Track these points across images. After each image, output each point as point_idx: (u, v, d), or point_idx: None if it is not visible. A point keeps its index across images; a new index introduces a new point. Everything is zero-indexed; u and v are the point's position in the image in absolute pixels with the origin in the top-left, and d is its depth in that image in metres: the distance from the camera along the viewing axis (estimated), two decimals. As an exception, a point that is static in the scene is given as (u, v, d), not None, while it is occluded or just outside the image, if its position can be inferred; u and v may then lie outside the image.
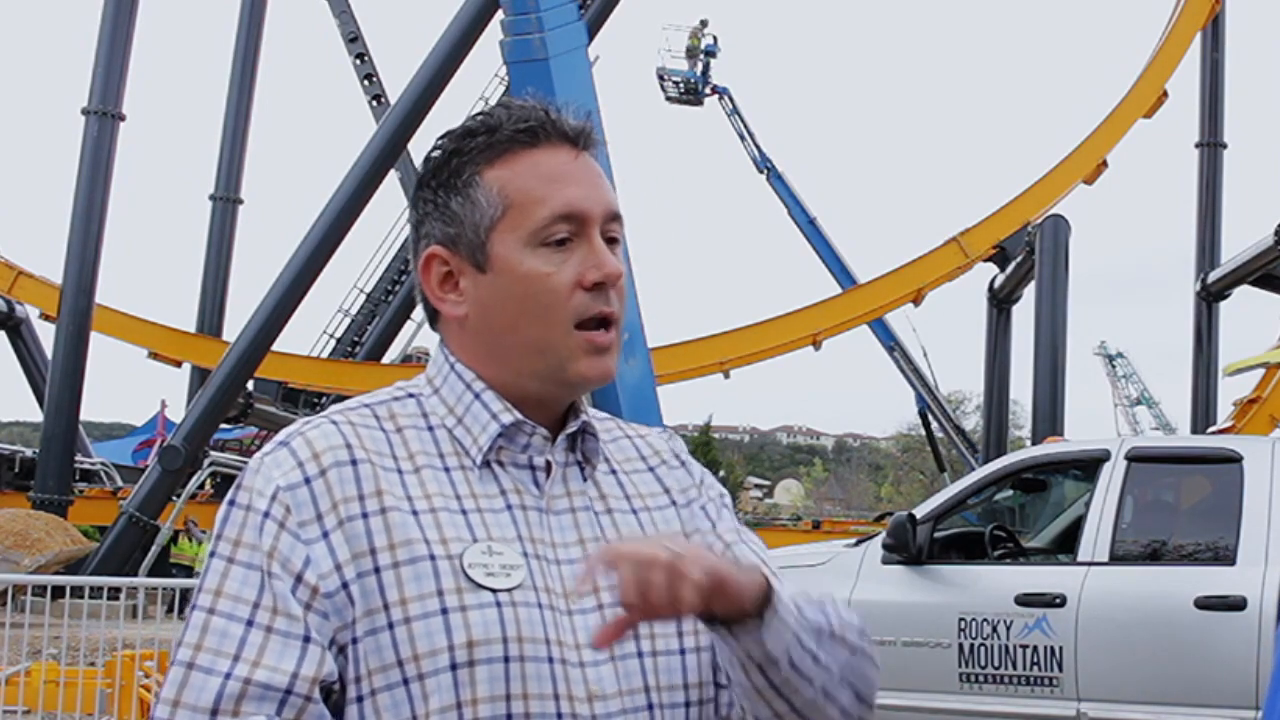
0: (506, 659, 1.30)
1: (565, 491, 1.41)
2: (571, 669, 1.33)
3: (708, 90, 30.90)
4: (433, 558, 1.31)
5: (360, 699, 1.31)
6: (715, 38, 31.39)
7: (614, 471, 1.48)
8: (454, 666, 1.28)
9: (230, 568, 1.31)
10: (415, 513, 1.33)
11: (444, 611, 1.29)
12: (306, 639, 1.29)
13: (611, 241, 1.41)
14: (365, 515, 1.32)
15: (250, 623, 1.29)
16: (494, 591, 1.31)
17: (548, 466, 1.41)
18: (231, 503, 1.34)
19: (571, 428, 1.43)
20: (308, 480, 1.32)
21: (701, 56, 31.03)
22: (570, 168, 1.40)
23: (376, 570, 1.30)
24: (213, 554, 1.34)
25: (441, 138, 1.45)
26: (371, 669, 1.30)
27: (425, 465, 1.37)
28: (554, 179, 1.38)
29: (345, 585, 1.30)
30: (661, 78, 31.30)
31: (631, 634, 1.35)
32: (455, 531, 1.33)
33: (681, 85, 31.27)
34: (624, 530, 1.43)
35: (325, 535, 1.31)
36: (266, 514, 1.31)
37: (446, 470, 1.37)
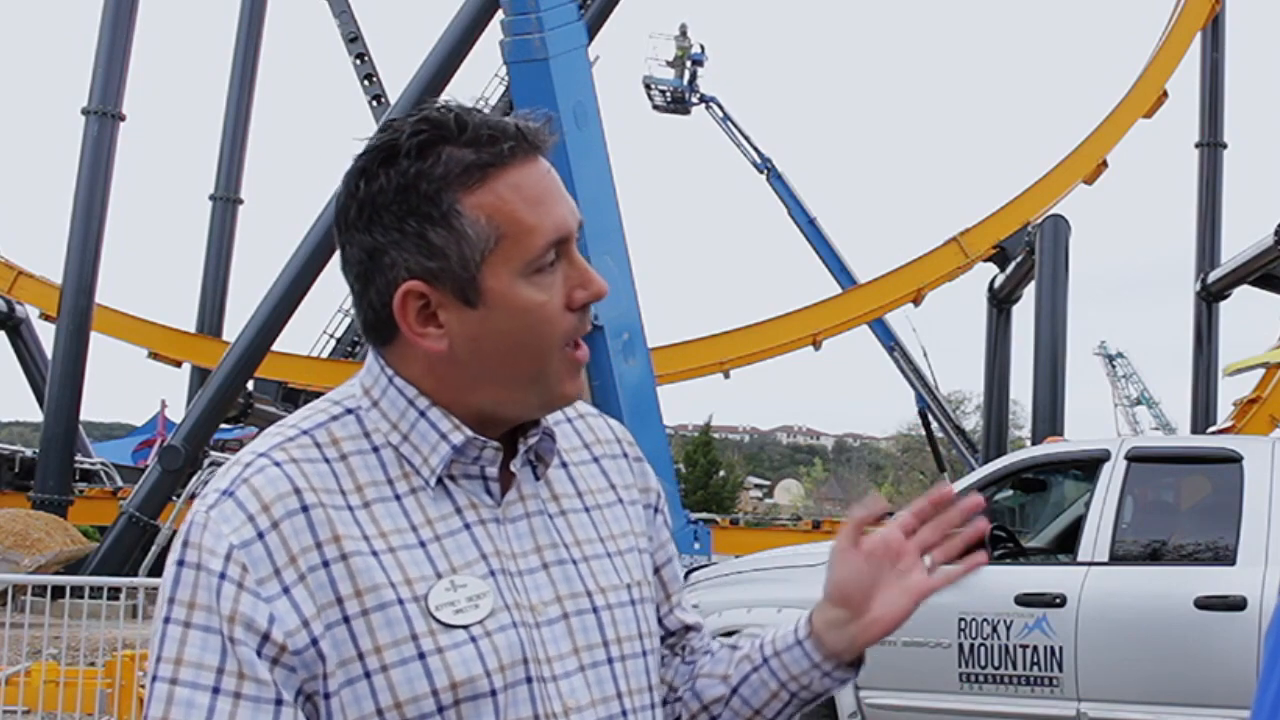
0: (493, 692, 1.28)
1: (519, 496, 1.38)
2: (547, 685, 1.31)
3: (694, 99, 30.46)
4: (401, 601, 1.26)
5: None
6: (702, 46, 30.88)
7: (564, 465, 1.45)
8: (440, 710, 1.26)
9: (188, 633, 1.24)
10: (375, 553, 1.27)
11: (421, 656, 1.26)
12: (279, 701, 1.24)
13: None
14: (326, 564, 1.26)
15: (217, 689, 1.22)
16: (466, 628, 1.28)
17: (500, 477, 1.36)
18: (181, 563, 1.26)
19: (532, 439, 1.38)
20: (261, 535, 1.25)
21: (688, 65, 30.57)
22: (546, 184, 1.33)
23: (346, 620, 1.26)
24: (167, 619, 1.25)
25: (382, 147, 1.31)
26: None
27: (375, 498, 1.31)
28: (538, 201, 1.32)
29: (315, 641, 1.25)
30: (648, 86, 30.81)
31: (600, 641, 1.36)
32: (418, 570, 1.28)
33: (668, 94, 30.78)
34: (579, 533, 1.40)
35: (286, 590, 1.25)
36: (223, 575, 1.24)
37: (398, 497, 1.32)
